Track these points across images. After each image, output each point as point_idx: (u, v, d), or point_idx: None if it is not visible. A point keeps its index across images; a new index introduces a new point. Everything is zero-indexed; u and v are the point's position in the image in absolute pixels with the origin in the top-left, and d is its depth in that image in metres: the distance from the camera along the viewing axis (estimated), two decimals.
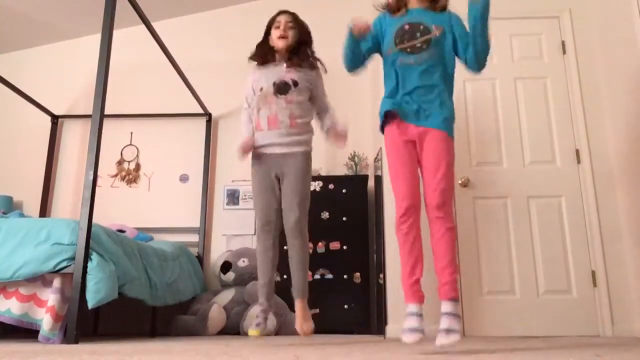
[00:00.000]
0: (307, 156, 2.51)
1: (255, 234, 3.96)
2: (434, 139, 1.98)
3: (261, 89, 2.50)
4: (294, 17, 2.59)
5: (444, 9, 2.15)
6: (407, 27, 2.10)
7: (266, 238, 2.44)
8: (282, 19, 2.55)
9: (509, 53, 3.47)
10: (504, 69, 3.45)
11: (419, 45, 2.06)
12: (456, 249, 1.99)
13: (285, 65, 2.53)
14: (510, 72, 3.44)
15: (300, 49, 2.57)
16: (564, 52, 3.44)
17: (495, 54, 3.47)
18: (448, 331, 1.78)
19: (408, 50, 2.07)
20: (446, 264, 1.90)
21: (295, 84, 2.49)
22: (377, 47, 2.22)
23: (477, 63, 2.07)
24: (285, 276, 2.47)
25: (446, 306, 1.86)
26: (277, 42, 2.52)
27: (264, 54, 2.56)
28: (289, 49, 2.54)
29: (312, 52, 2.62)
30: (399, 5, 2.18)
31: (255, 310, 2.47)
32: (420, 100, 2.02)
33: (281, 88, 2.48)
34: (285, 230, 2.44)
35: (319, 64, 2.61)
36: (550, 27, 3.50)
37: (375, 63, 4.02)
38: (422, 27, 2.08)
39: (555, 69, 3.43)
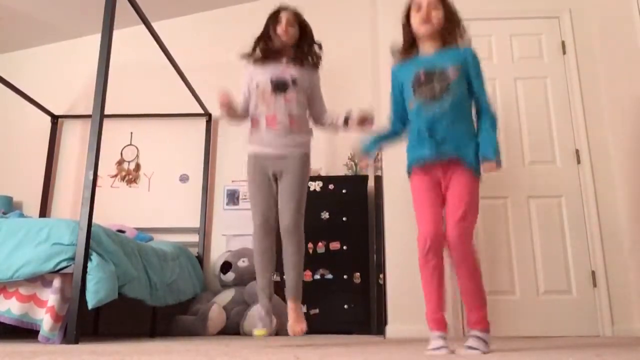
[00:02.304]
0: (305, 158, 2.43)
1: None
2: (461, 179, 1.95)
3: (257, 86, 2.42)
4: (296, 14, 2.50)
5: (457, 44, 2.07)
6: (422, 76, 2.03)
7: (265, 238, 2.36)
8: (284, 15, 2.45)
9: (509, 53, 3.47)
10: (504, 69, 3.45)
11: (438, 92, 1.99)
12: (481, 282, 1.93)
13: (284, 61, 2.44)
14: (510, 72, 3.44)
15: (303, 48, 2.49)
16: (564, 52, 3.44)
17: (495, 54, 3.47)
18: (474, 349, 1.79)
19: (429, 98, 2.00)
20: (473, 301, 1.88)
21: (295, 82, 2.41)
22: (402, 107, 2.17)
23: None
24: (285, 276, 2.46)
25: (475, 332, 1.85)
26: (277, 38, 2.44)
27: (264, 54, 2.46)
28: (291, 45, 2.45)
29: (317, 49, 2.51)
30: (409, 51, 2.12)
31: (257, 312, 2.41)
32: (449, 147, 1.97)
33: (279, 86, 2.38)
34: (280, 230, 2.37)
35: (318, 62, 2.53)
36: (550, 27, 3.50)
37: (376, 63, 4.02)
38: (437, 72, 2.01)
39: (555, 69, 3.43)
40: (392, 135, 2.22)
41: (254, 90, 2.44)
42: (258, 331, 2.27)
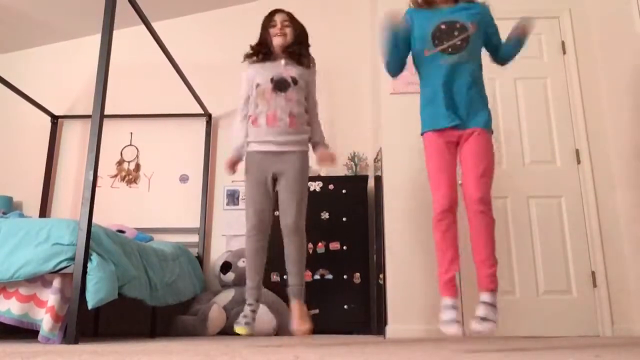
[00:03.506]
0: (304, 155, 2.47)
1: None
2: (478, 138, 2.03)
3: (257, 85, 2.45)
4: (290, 16, 2.57)
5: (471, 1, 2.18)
6: (443, 26, 2.10)
7: (258, 239, 2.37)
8: (278, 18, 2.53)
9: None
10: (504, 69, 3.41)
11: (459, 43, 2.07)
12: (495, 241, 2.01)
13: (283, 61, 2.49)
14: (510, 72, 3.42)
15: (298, 48, 2.53)
16: (564, 52, 3.44)
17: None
18: (484, 319, 1.81)
19: (449, 50, 2.06)
20: (487, 256, 1.94)
21: (295, 81, 2.45)
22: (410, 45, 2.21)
23: (503, 63, 2.26)
24: (285, 276, 2.46)
25: (484, 296, 1.90)
26: (275, 39, 2.50)
27: (261, 52, 2.52)
28: (287, 47, 2.51)
29: (308, 53, 2.59)
30: (422, 5, 2.19)
31: (244, 310, 2.38)
32: (465, 101, 2.04)
33: (280, 85, 2.42)
34: (282, 229, 2.38)
35: (312, 64, 2.58)
36: (550, 27, 3.49)
37: (376, 63, 4.01)
38: (458, 24, 2.09)
39: (555, 69, 3.43)
40: (398, 52, 2.20)
41: (253, 90, 2.48)
42: (240, 328, 2.24)
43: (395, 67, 2.25)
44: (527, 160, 3.31)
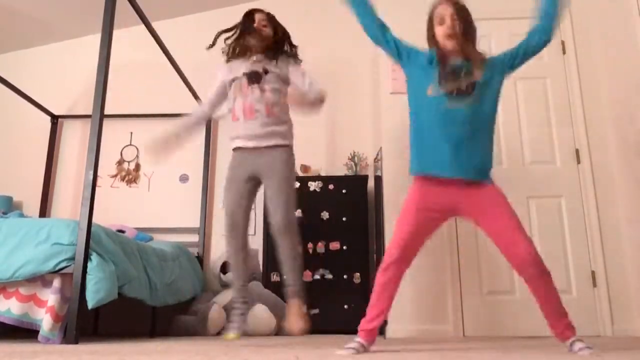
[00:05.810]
0: (288, 152, 2.43)
1: (254, 234, 3.97)
2: (489, 196, 1.90)
3: (234, 79, 2.52)
4: (269, 16, 2.60)
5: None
6: (449, 68, 1.97)
7: (234, 240, 2.38)
8: (257, 17, 2.59)
9: None
10: None
11: (464, 88, 1.92)
12: (558, 294, 1.93)
13: (254, 57, 2.52)
14: None
15: (277, 45, 2.57)
16: (564, 52, 3.44)
17: (495, 54, 3.46)
18: (584, 348, 1.79)
19: (455, 93, 1.92)
20: (559, 316, 1.88)
21: (267, 71, 2.49)
22: (392, 46, 2.13)
23: (546, 37, 2.10)
24: (284, 276, 2.46)
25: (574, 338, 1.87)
26: (254, 33, 2.55)
27: (240, 50, 2.57)
28: (264, 47, 2.54)
29: (292, 47, 2.61)
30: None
31: (232, 314, 2.35)
32: (465, 151, 1.91)
33: (253, 77, 2.47)
34: (271, 229, 2.35)
35: (293, 54, 2.59)
36: None
37: (376, 63, 4.01)
38: (464, 69, 1.96)
39: (555, 69, 3.43)
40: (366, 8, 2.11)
41: (230, 85, 2.54)
42: (229, 335, 2.23)
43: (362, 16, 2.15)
44: (527, 160, 3.31)
